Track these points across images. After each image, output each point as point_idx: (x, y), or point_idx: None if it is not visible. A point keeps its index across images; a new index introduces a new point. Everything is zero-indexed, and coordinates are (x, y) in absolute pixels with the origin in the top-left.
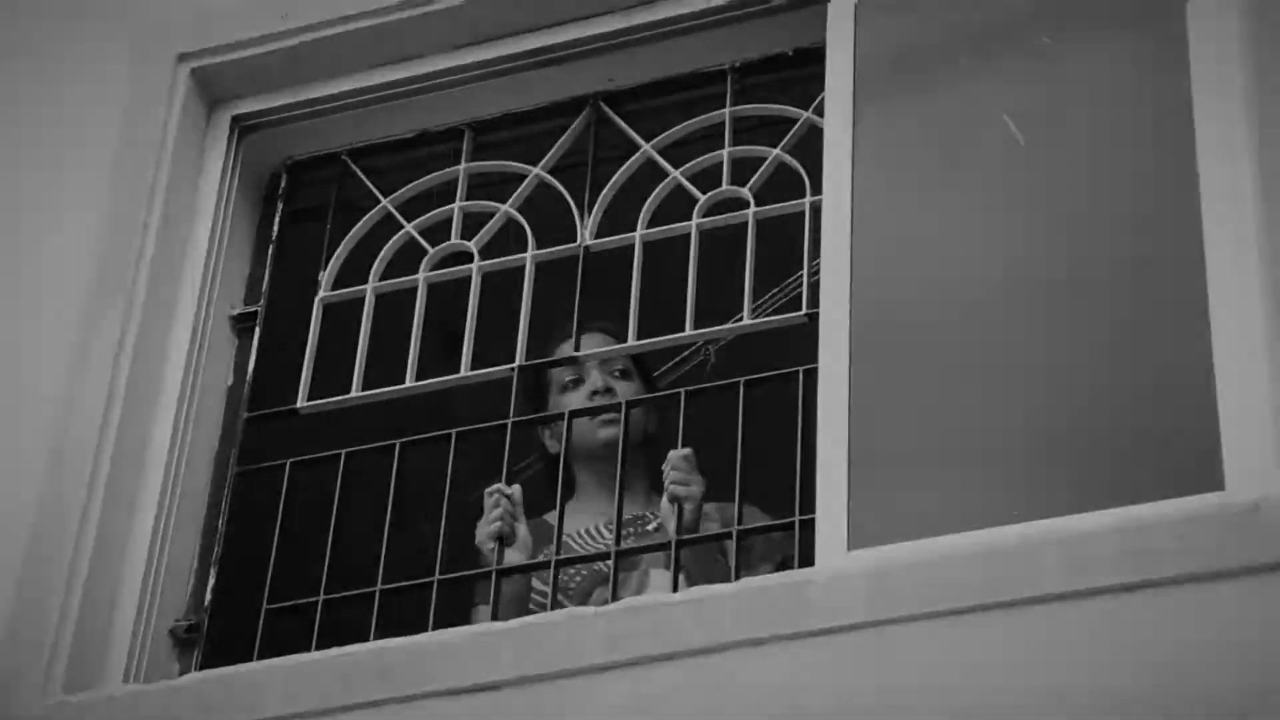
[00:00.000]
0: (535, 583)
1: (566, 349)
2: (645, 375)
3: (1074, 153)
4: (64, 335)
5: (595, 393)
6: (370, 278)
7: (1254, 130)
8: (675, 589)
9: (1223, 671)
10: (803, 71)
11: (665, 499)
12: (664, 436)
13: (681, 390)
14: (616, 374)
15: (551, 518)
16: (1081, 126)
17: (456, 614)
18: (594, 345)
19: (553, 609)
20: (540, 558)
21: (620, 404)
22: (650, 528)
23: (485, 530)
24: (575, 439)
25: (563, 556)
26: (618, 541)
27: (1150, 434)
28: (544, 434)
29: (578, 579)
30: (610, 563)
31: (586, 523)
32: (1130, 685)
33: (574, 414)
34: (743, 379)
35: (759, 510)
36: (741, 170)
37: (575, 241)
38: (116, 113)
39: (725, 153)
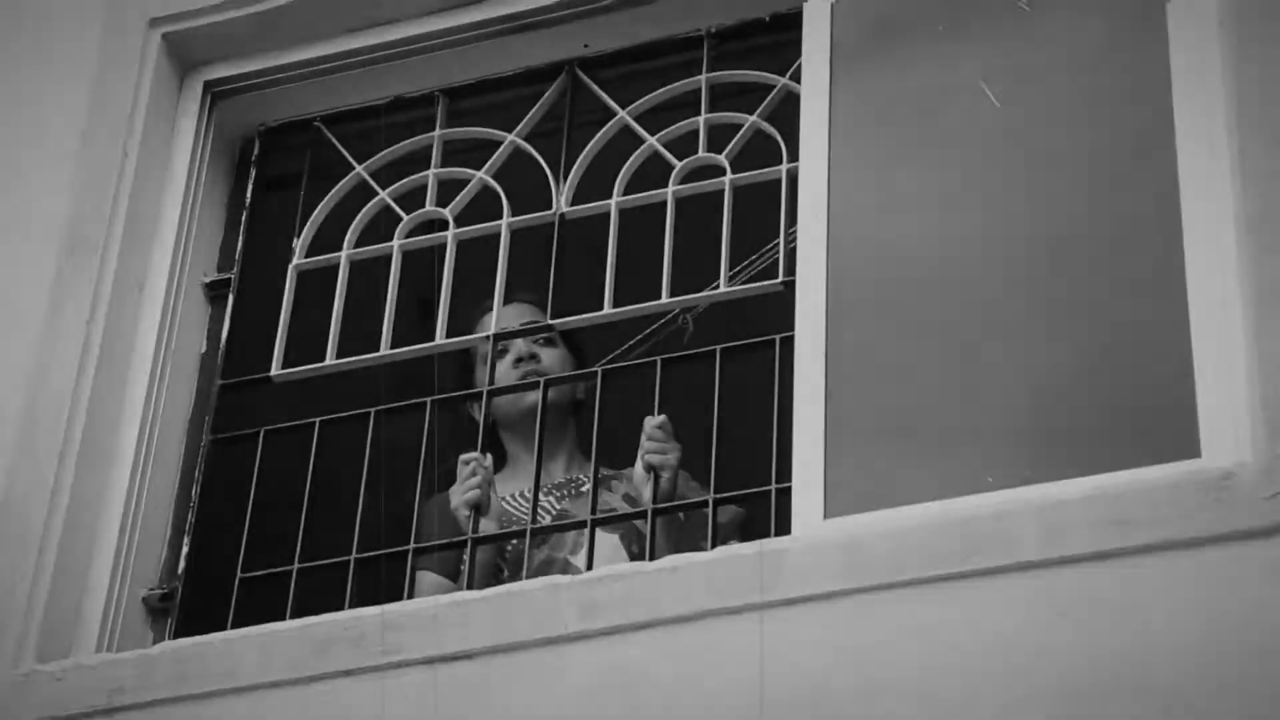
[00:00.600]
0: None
1: (487, 322)
2: (571, 341)
3: (1051, 119)
4: (35, 302)
5: (519, 359)
6: (344, 245)
7: (1232, 95)
8: (650, 558)
9: (1198, 638)
10: (779, 38)
11: (639, 466)
12: (593, 404)
13: (658, 358)
14: (540, 340)
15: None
16: (1059, 93)
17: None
18: (515, 316)
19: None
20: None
21: (538, 384)
22: (584, 489)
23: (461, 497)
24: (501, 407)
25: (538, 525)
26: (594, 509)
27: (1126, 402)
28: (472, 408)
29: (513, 543)
30: (544, 523)
31: (517, 487)
32: (1106, 652)
33: (493, 392)
34: (719, 346)
35: (699, 485)
36: (718, 137)
37: (551, 209)
38: (88, 77)
39: (701, 119)
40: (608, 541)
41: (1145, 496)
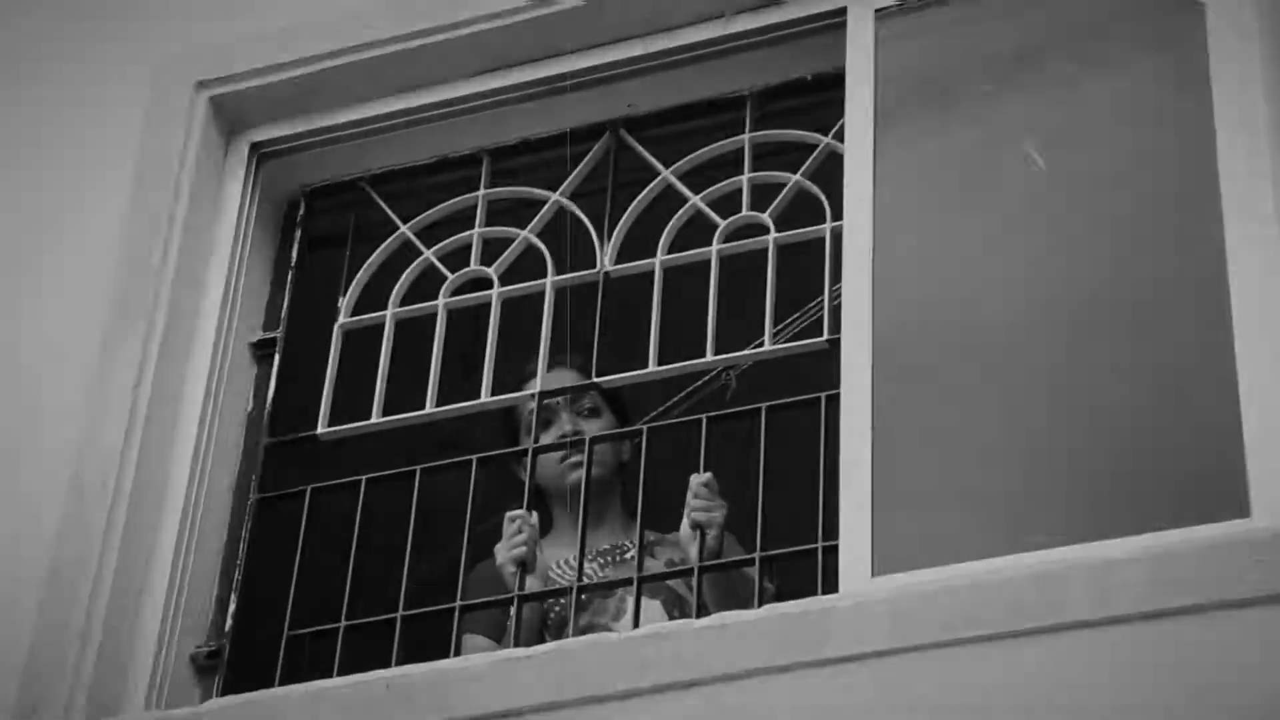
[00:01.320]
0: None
1: (530, 386)
2: (616, 408)
3: (1097, 175)
4: (84, 362)
5: (563, 436)
6: (389, 304)
7: (1277, 150)
8: (696, 615)
9: (1249, 698)
10: (822, 97)
11: (686, 525)
12: (639, 464)
13: (703, 416)
14: (585, 413)
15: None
16: (1104, 148)
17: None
18: (557, 383)
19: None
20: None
21: (583, 441)
22: (628, 556)
23: (507, 554)
24: (546, 480)
25: (585, 583)
26: (639, 567)
27: (1175, 460)
28: (519, 469)
29: (556, 608)
30: (590, 584)
31: (562, 555)
32: (1156, 714)
33: (539, 450)
34: (764, 404)
35: (737, 541)
36: (761, 196)
37: (595, 267)
38: (135, 140)
39: (745, 178)
40: (650, 607)
41: (1194, 556)
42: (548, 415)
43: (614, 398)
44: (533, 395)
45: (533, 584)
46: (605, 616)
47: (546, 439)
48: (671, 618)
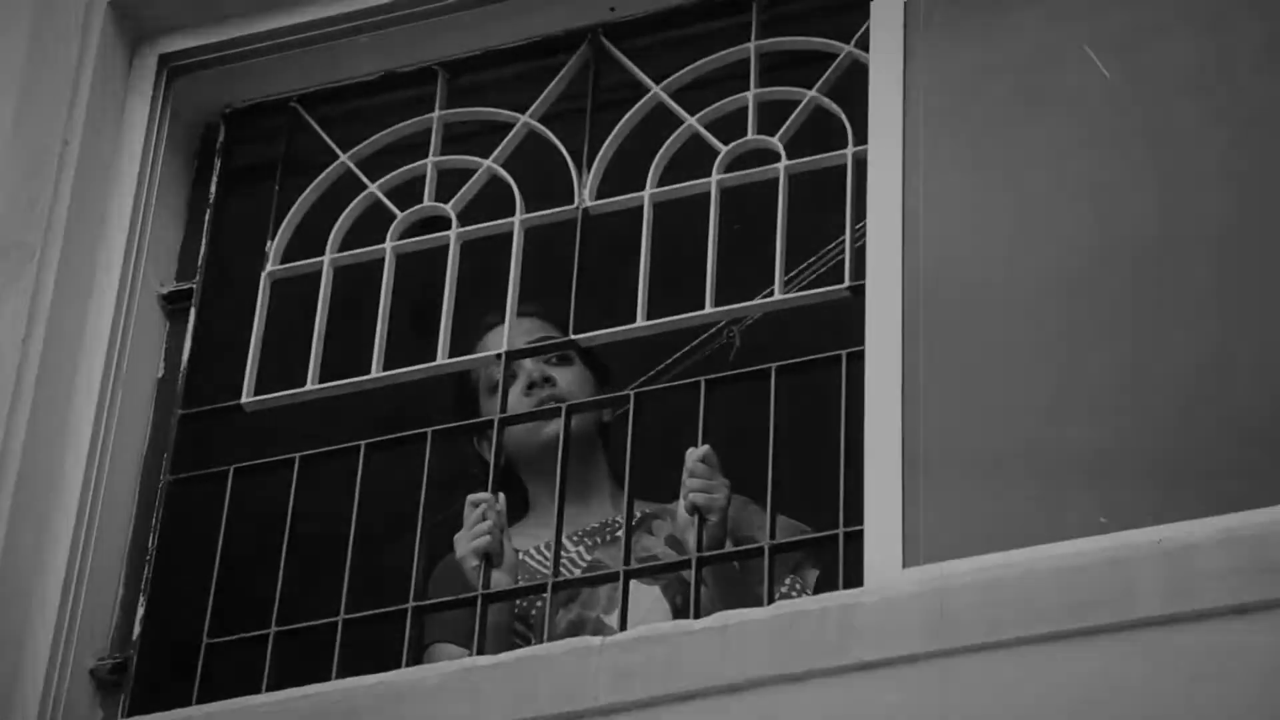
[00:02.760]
0: (516, 608)
1: (493, 340)
2: (588, 355)
3: (1173, 90)
4: None
5: (532, 385)
6: (327, 248)
7: None
8: (697, 615)
9: None
10: None
11: (683, 508)
12: (624, 427)
13: (701, 379)
14: (554, 360)
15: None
16: (1178, 58)
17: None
18: (522, 333)
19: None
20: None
21: (558, 408)
22: (620, 533)
23: (469, 545)
24: (514, 447)
25: (561, 579)
26: (628, 558)
27: (1262, 428)
28: (480, 444)
29: (539, 604)
30: (569, 579)
31: (542, 538)
32: None
33: (507, 421)
34: (774, 365)
35: (787, 519)
36: (770, 116)
37: (573, 203)
38: (20, 54)
39: (750, 95)
40: (648, 595)
41: None
42: (512, 368)
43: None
44: (498, 355)
45: (501, 580)
46: (595, 608)
47: (511, 395)
48: (674, 606)
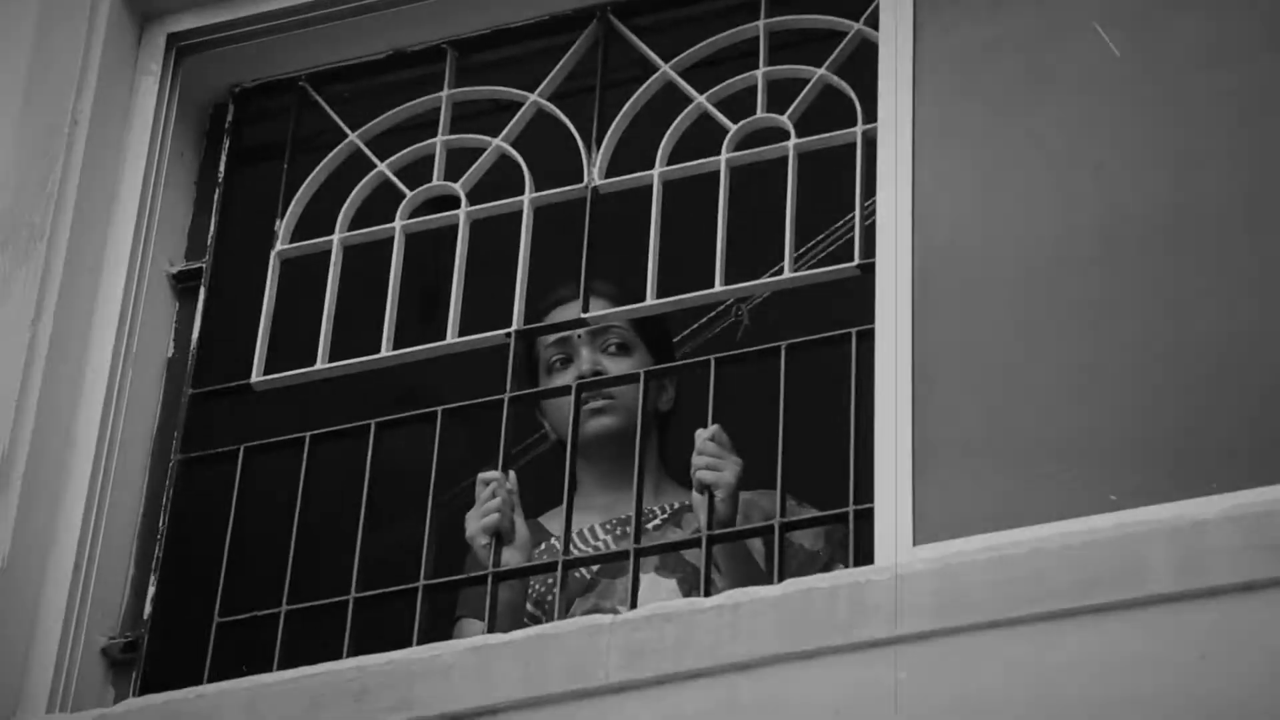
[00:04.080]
0: (532, 593)
1: (563, 314)
2: (654, 343)
3: (1184, 67)
4: None
5: (581, 377)
6: (337, 227)
7: None
8: (707, 594)
9: None
10: None
11: (695, 487)
12: (683, 412)
13: (711, 357)
14: (612, 349)
15: (547, 520)
16: (1188, 36)
17: (442, 628)
18: (576, 311)
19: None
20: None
21: (589, 383)
22: (650, 525)
23: (479, 523)
24: (566, 431)
25: (571, 558)
26: (637, 539)
27: (1272, 405)
28: (543, 422)
29: (556, 589)
30: (593, 569)
31: (582, 523)
32: (1255, 701)
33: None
34: (784, 343)
35: (798, 504)
36: (780, 94)
37: (581, 182)
38: (28, 32)
39: (760, 73)
40: (664, 587)
41: None
42: (567, 351)
43: (652, 328)
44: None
45: (512, 558)
46: (611, 599)
47: (564, 379)
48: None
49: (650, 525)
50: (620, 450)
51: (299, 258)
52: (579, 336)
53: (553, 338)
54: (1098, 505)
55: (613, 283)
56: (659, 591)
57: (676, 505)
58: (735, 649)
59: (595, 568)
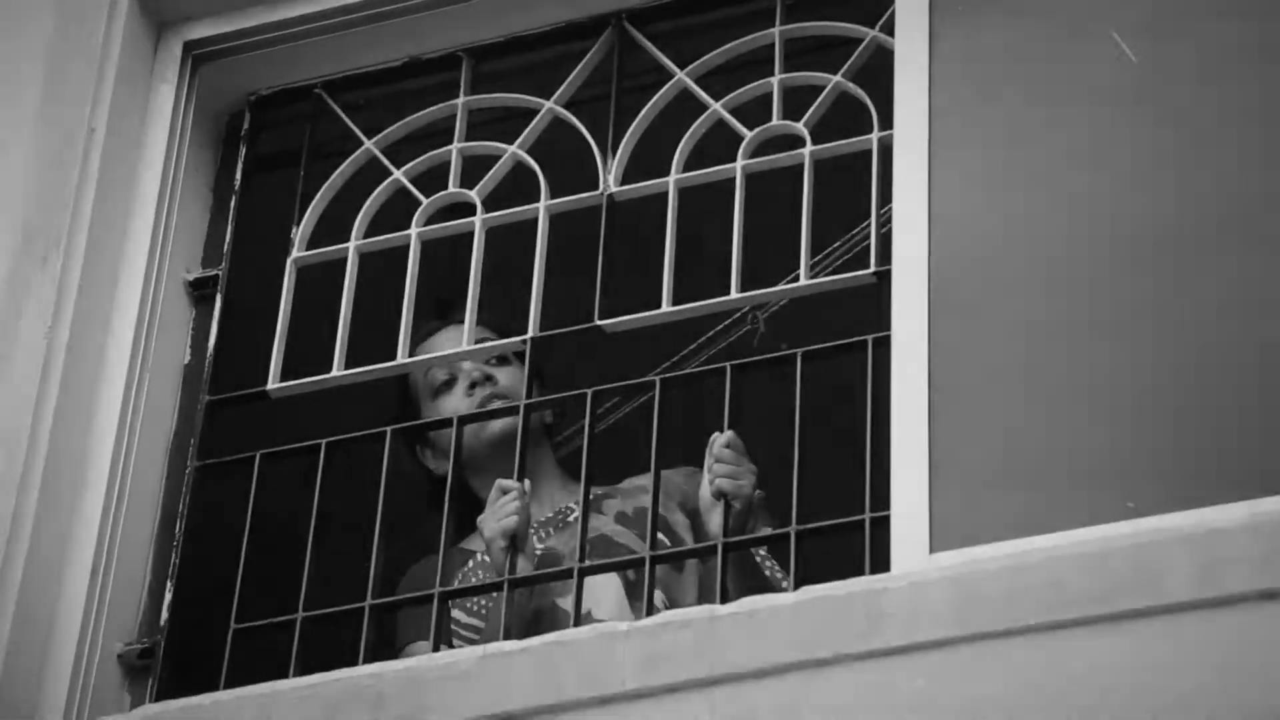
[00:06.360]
0: (456, 613)
1: (439, 343)
2: (521, 355)
3: (1201, 76)
4: None
5: (474, 384)
6: (353, 234)
7: None
8: (722, 600)
9: None
10: None
11: (708, 491)
12: (700, 420)
13: (726, 364)
14: (493, 360)
15: (468, 543)
16: (1209, 43)
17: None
18: (453, 341)
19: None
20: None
21: (518, 404)
22: (572, 519)
23: (497, 525)
24: (466, 447)
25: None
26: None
27: None
28: (423, 454)
29: (489, 606)
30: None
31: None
32: (1273, 711)
33: (466, 420)
34: (800, 350)
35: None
36: (795, 102)
37: (597, 189)
38: (45, 40)
39: (775, 80)
40: (610, 585)
41: None
42: (451, 370)
43: (507, 332)
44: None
45: (523, 566)
46: (550, 595)
47: (452, 399)
48: (627, 581)
49: (572, 519)
50: (510, 454)
51: (315, 265)
52: (461, 361)
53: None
54: (1115, 513)
55: (486, 310)
56: (604, 590)
57: (572, 506)
58: (751, 656)
59: (530, 569)
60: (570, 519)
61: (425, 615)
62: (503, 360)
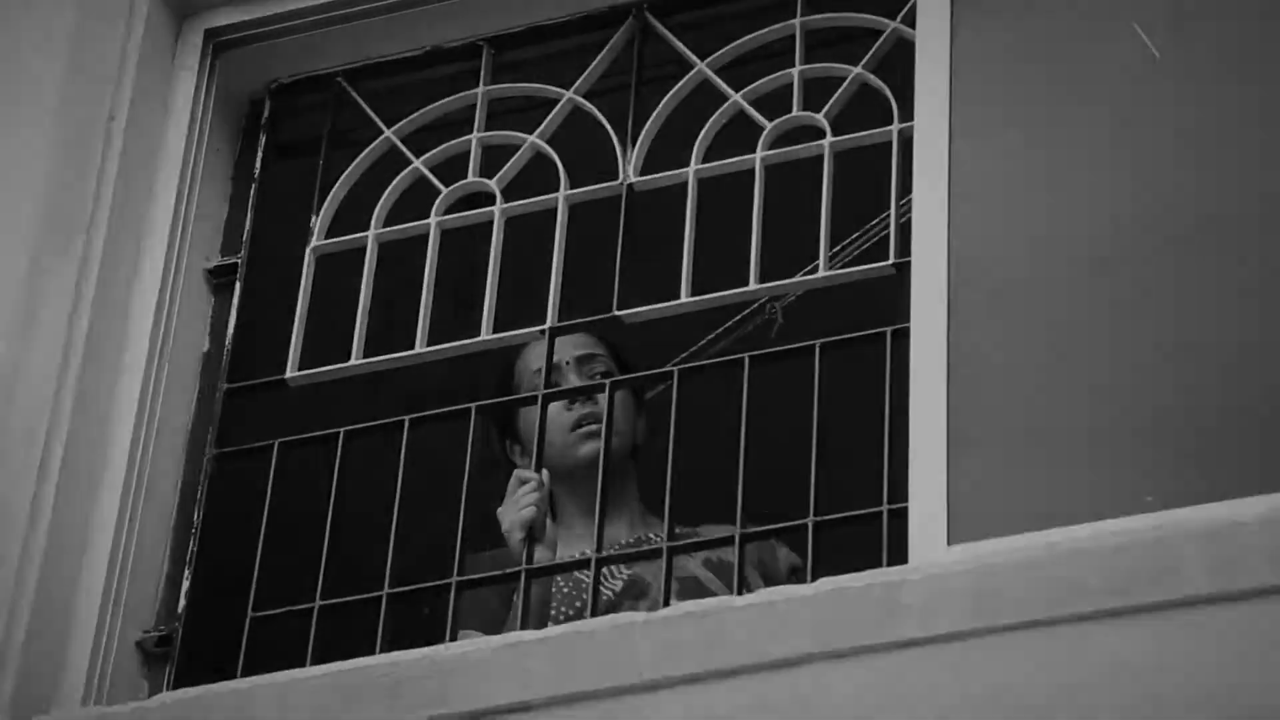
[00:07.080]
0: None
1: (536, 350)
2: (629, 382)
3: (1222, 71)
4: (6, 295)
5: (572, 402)
6: (372, 223)
7: None
8: (739, 591)
9: None
10: None
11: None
12: (654, 446)
13: (744, 355)
14: (598, 376)
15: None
16: (1232, 31)
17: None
18: (572, 347)
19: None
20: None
21: (600, 386)
22: (652, 548)
23: (514, 516)
24: (551, 460)
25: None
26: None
27: None
28: (513, 451)
29: (566, 610)
30: (616, 591)
31: (570, 553)
32: None
33: (551, 396)
34: (818, 341)
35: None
36: (815, 93)
37: (617, 179)
38: (66, 28)
39: (796, 71)
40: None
41: None
42: (555, 379)
43: (627, 366)
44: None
45: (542, 555)
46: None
47: (552, 409)
48: None
49: (652, 547)
50: (606, 478)
51: (334, 253)
52: (566, 364)
53: (537, 366)
54: (1134, 506)
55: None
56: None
57: (653, 537)
58: (769, 647)
59: (619, 589)
60: (651, 547)
61: (481, 604)
62: (607, 377)
